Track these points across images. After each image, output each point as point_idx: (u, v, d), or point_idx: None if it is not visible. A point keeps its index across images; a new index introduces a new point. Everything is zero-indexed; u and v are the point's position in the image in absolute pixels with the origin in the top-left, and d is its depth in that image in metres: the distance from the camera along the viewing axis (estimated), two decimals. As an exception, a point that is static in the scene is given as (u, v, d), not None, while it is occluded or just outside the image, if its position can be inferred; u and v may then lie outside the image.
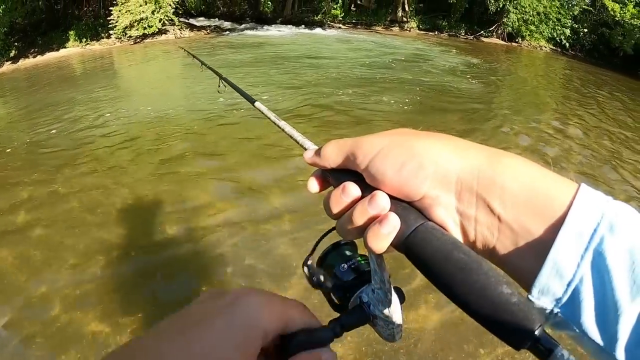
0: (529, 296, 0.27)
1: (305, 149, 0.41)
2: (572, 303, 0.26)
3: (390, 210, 0.30)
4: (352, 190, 0.32)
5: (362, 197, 0.32)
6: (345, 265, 0.40)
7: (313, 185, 0.37)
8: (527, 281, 0.27)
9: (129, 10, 14.92)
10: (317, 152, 0.36)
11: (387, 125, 5.54)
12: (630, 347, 0.24)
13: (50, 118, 6.80)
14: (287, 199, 3.67)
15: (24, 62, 14.53)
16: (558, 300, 0.26)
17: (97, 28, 15.72)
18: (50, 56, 14.86)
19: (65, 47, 15.29)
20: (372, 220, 0.30)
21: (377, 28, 17.01)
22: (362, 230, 0.31)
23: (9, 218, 3.55)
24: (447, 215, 0.29)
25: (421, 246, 0.28)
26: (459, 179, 0.29)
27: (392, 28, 17.04)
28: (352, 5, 17.22)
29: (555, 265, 0.25)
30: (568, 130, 6.20)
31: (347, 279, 0.38)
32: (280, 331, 0.29)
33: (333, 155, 0.34)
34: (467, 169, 0.29)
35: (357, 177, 0.32)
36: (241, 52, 11.96)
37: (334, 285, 0.38)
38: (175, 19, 15.84)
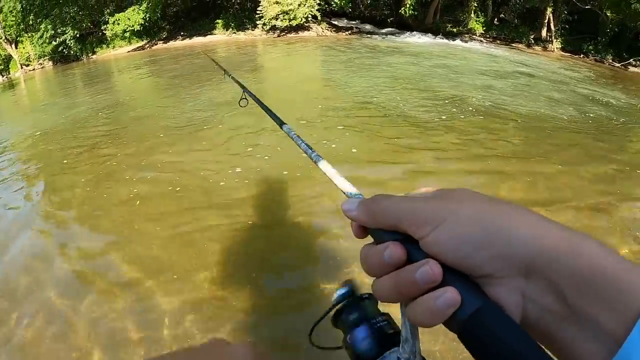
0: None
1: (345, 193, 0.36)
2: None
3: (447, 284, 0.27)
4: (398, 253, 0.28)
5: (407, 262, 0.28)
6: (366, 327, 0.35)
7: (357, 232, 0.33)
8: None
9: (277, 2, 14.89)
10: (362, 207, 0.32)
11: (505, 161, 4.20)
12: None
13: (191, 92, 7.15)
14: None
15: (173, 44, 14.53)
16: None
17: (242, 19, 15.74)
18: (196, 40, 14.84)
19: (212, 34, 15.31)
20: (422, 291, 0.27)
21: (518, 45, 16.48)
22: (406, 298, 0.28)
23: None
24: (509, 295, 0.27)
25: (481, 332, 0.25)
26: (529, 261, 0.26)
27: (534, 46, 16.46)
28: (495, 19, 16.83)
29: None
30: None
31: (366, 347, 0.35)
32: None
33: (384, 217, 0.30)
34: (540, 251, 0.26)
35: (402, 235, 0.29)
36: (380, 58, 11.03)
37: (351, 350, 0.35)
38: (319, 14, 15.75)
